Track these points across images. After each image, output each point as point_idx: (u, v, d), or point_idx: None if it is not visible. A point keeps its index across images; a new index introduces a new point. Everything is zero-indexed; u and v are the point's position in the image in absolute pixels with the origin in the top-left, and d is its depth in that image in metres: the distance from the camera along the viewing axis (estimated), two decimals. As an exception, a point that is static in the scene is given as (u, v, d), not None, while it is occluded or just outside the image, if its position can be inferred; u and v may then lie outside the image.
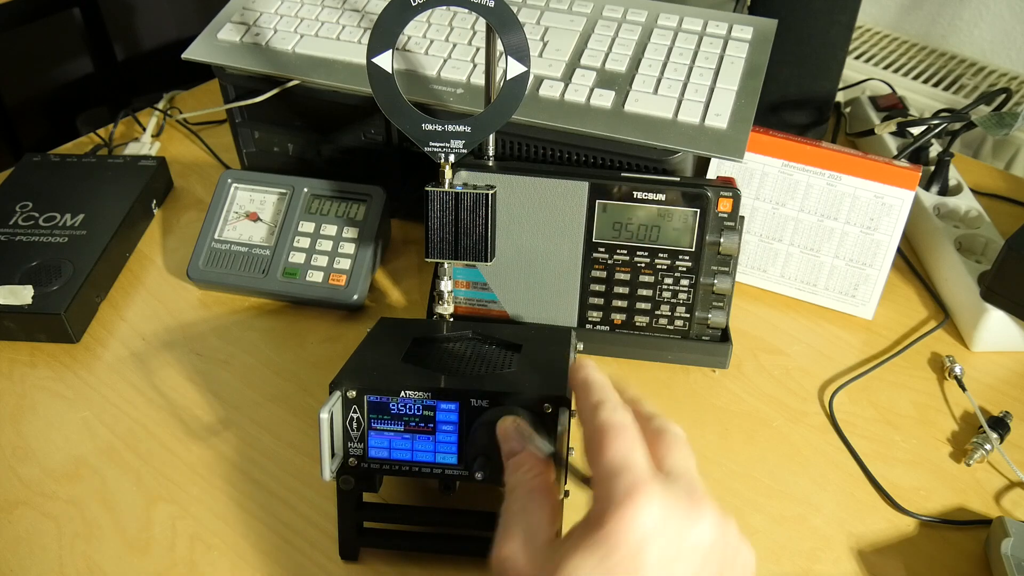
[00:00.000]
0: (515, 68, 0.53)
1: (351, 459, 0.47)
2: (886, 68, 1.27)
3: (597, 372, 0.40)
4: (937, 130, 0.73)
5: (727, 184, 0.59)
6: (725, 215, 0.59)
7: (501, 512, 0.38)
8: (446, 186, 0.55)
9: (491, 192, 0.55)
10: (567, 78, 0.64)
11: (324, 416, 0.45)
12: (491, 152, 0.61)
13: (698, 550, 0.33)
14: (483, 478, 0.45)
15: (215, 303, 0.68)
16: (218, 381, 0.62)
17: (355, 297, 0.65)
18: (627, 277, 0.61)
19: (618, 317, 0.62)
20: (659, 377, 0.63)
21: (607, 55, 0.66)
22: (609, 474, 0.34)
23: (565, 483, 0.42)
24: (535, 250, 0.61)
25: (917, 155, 0.78)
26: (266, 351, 0.64)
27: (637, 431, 0.36)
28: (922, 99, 1.20)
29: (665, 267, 0.60)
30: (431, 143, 0.55)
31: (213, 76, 0.72)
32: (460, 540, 0.50)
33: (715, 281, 0.60)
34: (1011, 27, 1.29)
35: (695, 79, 0.64)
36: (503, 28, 0.53)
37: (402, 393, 0.46)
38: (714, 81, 0.64)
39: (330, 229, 0.67)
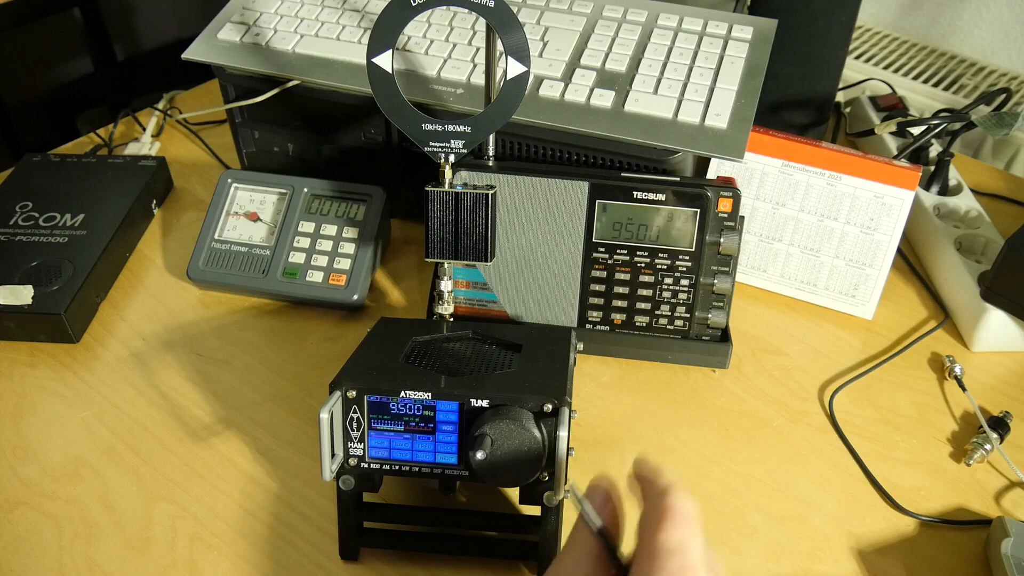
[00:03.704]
0: (515, 68, 0.53)
1: (351, 459, 0.47)
2: (886, 68, 1.27)
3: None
4: (937, 130, 0.73)
5: (727, 184, 0.59)
6: (725, 215, 0.59)
7: (555, 559, 0.39)
8: (446, 186, 0.55)
9: (491, 192, 0.55)
10: (567, 78, 0.64)
11: (324, 416, 0.45)
12: (491, 152, 0.61)
13: None
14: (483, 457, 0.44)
15: (215, 303, 0.68)
16: (218, 381, 0.62)
17: (355, 297, 0.65)
18: (627, 277, 0.61)
19: (618, 317, 0.62)
20: (659, 377, 0.63)
21: (607, 55, 0.66)
22: (664, 552, 0.36)
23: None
24: (535, 250, 0.61)
25: (917, 155, 0.78)
26: (266, 351, 0.64)
27: (701, 526, 0.38)
28: (922, 99, 1.20)
29: (665, 267, 0.60)
30: (431, 143, 0.55)
31: (213, 76, 0.72)
32: (460, 540, 0.50)
33: (715, 281, 0.60)
34: (1011, 27, 1.29)
35: (695, 79, 0.64)
36: (503, 28, 0.53)
37: (402, 393, 0.46)
38: (714, 81, 0.64)
39: (330, 229, 0.67)
